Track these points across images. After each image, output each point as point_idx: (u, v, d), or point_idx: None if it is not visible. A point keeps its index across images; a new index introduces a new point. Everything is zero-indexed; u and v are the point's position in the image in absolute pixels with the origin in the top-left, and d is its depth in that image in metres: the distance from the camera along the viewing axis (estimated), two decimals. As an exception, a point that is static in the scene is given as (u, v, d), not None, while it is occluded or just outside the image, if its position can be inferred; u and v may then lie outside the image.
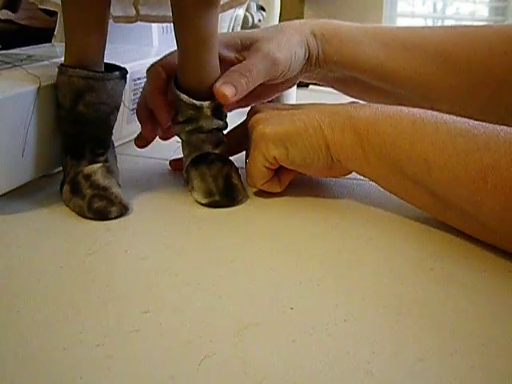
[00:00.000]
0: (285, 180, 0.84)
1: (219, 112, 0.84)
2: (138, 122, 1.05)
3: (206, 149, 0.83)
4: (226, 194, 0.80)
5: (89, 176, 0.76)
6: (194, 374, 0.47)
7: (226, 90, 0.80)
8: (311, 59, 0.94)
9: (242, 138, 0.88)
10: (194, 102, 0.81)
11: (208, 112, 0.82)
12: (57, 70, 0.79)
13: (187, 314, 0.55)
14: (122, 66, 0.82)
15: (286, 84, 0.97)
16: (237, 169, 0.83)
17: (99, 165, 0.77)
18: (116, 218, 0.75)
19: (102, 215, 0.74)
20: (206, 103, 0.82)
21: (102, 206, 0.74)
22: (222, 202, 0.79)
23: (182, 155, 0.87)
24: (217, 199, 0.79)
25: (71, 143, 0.79)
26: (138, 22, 0.99)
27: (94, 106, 0.77)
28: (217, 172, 0.80)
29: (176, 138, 0.89)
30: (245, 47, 0.90)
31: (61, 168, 0.82)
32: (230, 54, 0.89)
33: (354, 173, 0.94)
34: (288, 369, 0.48)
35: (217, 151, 0.84)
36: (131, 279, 0.62)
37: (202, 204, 0.80)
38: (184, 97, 0.82)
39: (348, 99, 1.37)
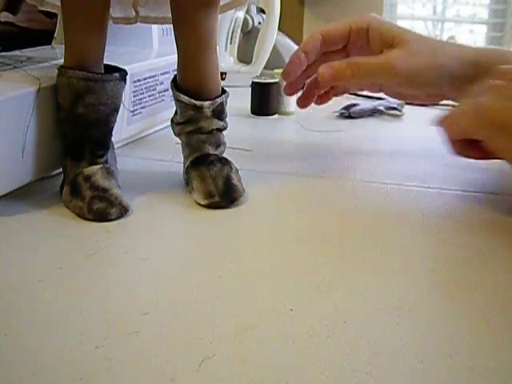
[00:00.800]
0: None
1: (219, 112, 0.84)
2: (138, 124, 1.06)
3: (206, 150, 0.83)
4: (226, 195, 0.80)
5: (89, 177, 0.76)
6: (194, 375, 0.47)
7: (324, 72, 0.90)
8: (461, 83, 0.89)
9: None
10: (194, 102, 0.81)
11: (208, 112, 0.82)
12: (56, 71, 0.79)
13: (187, 316, 0.55)
14: (122, 67, 0.83)
15: (432, 98, 0.99)
16: (237, 170, 0.83)
17: (99, 166, 0.77)
18: (116, 219, 0.75)
19: (101, 216, 0.74)
20: (206, 103, 0.82)
21: (102, 208, 0.74)
22: (222, 202, 0.79)
23: (184, 156, 0.87)
24: (217, 200, 0.79)
25: (71, 144, 0.79)
26: (138, 24, 1.00)
27: (94, 108, 0.78)
28: (217, 173, 0.80)
29: (176, 139, 0.89)
30: (391, 45, 0.91)
31: (61, 169, 0.82)
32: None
33: (352, 174, 0.94)
34: (288, 370, 0.48)
35: (217, 152, 0.84)
36: (131, 280, 0.62)
37: (202, 205, 0.80)
38: (184, 98, 0.82)
39: (348, 101, 1.37)
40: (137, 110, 1.03)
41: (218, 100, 0.83)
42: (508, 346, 0.52)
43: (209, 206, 0.79)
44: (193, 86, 0.82)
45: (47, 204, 0.79)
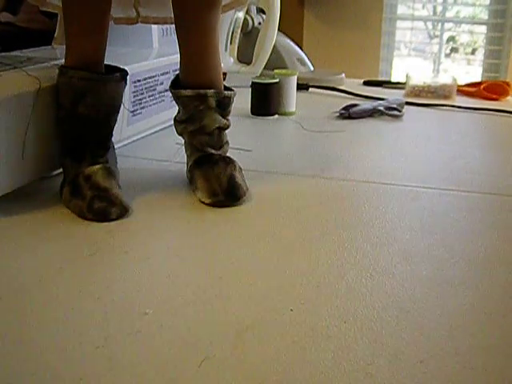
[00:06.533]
0: None
1: (224, 106, 0.84)
2: (138, 124, 1.06)
3: (209, 151, 0.83)
4: (230, 194, 0.80)
5: (89, 177, 0.76)
6: (194, 375, 0.47)
7: None
8: None
9: None
10: (199, 90, 0.81)
11: (213, 102, 0.82)
12: (57, 71, 0.80)
13: (187, 316, 0.55)
14: (123, 67, 0.83)
15: None
16: (240, 168, 0.84)
17: (99, 166, 0.77)
18: (116, 219, 0.75)
19: (102, 216, 0.74)
20: (210, 91, 0.82)
21: (103, 207, 0.74)
22: (226, 201, 0.80)
23: (183, 157, 0.87)
24: (221, 199, 0.79)
25: (71, 144, 0.80)
26: (139, 24, 1.00)
27: (95, 108, 0.78)
28: (220, 172, 0.81)
29: (176, 139, 0.90)
30: None
31: (61, 169, 0.82)
32: None
33: (352, 174, 0.94)
34: (288, 370, 0.48)
35: (220, 152, 0.84)
36: (131, 281, 0.62)
37: (206, 204, 0.80)
38: (187, 91, 0.82)
39: (348, 101, 1.37)
40: (137, 110, 1.03)
41: (225, 93, 0.83)
42: (508, 346, 0.52)
43: (213, 205, 0.79)
44: (196, 82, 0.82)
45: (47, 204, 0.79)
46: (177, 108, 0.86)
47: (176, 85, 0.84)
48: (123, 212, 0.75)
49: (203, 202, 0.80)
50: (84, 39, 0.78)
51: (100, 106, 0.77)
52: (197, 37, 0.80)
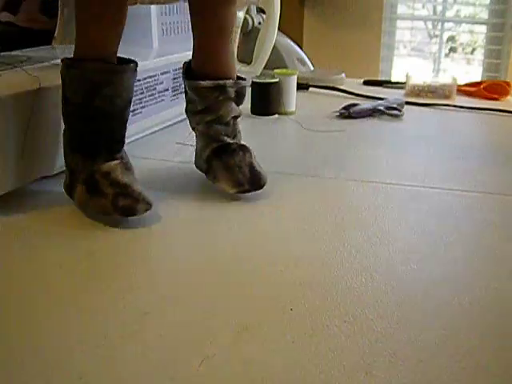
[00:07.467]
0: None
1: (241, 96, 0.85)
2: (138, 124, 1.06)
3: (226, 140, 0.84)
4: (254, 182, 0.81)
5: (107, 174, 0.74)
6: (194, 374, 0.47)
7: None
8: None
9: None
10: (219, 82, 0.81)
11: (232, 93, 0.83)
12: (62, 64, 0.76)
13: (187, 315, 0.55)
14: (129, 58, 0.81)
15: None
16: (255, 156, 0.85)
17: (117, 162, 0.75)
18: (142, 214, 0.73)
19: (128, 213, 0.72)
20: (229, 82, 0.82)
21: (128, 204, 0.72)
22: (251, 189, 0.81)
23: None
24: (246, 188, 0.81)
25: (84, 140, 0.77)
26: (139, 23, 0.99)
27: (111, 100, 0.75)
28: (240, 161, 0.81)
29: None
30: None
31: (61, 169, 0.82)
32: None
33: (353, 174, 0.94)
34: (288, 370, 0.48)
35: (236, 141, 0.85)
36: (131, 280, 0.62)
37: (231, 193, 0.81)
38: (206, 82, 0.82)
39: (348, 101, 1.37)
40: (137, 109, 1.03)
41: (242, 82, 0.83)
42: (508, 346, 0.52)
43: (238, 194, 0.81)
44: (213, 70, 0.82)
45: (47, 204, 0.79)
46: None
47: (189, 75, 0.84)
48: (148, 208, 0.74)
49: (227, 193, 0.80)
50: (100, 28, 0.75)
51: (117, 98, 0.75)
52: (215, 24, 0.80)
